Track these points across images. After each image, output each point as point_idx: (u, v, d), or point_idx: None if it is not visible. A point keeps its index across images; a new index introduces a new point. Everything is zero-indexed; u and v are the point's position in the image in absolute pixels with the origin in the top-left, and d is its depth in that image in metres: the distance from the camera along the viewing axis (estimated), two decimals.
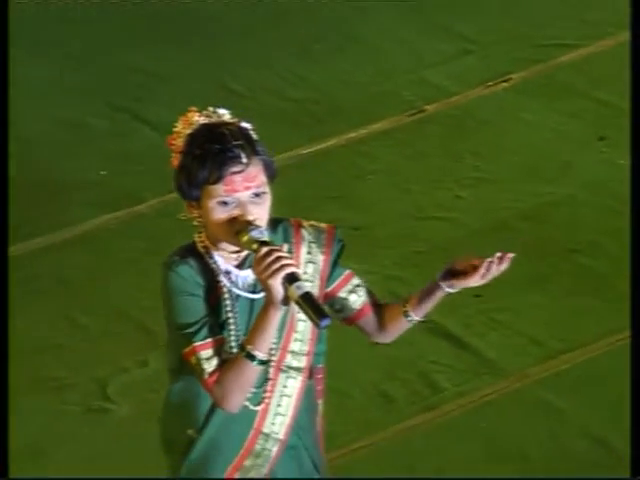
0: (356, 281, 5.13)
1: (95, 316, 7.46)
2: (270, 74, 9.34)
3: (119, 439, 6.08)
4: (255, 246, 4.71)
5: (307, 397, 5.21)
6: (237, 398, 5.05)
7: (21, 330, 7.64)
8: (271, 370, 5.09)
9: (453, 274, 4.97)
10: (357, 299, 5.19)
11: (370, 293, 5.14)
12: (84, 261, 7.67)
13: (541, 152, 8.64)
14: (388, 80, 9.15)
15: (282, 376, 5.14)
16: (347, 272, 5.16)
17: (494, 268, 4.88)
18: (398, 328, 5.18)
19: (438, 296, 5.01)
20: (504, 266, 4.92)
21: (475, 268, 4.93)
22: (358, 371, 7.42)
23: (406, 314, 5.10)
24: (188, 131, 4.87)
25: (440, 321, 7.41)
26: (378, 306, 5.20)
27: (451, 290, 4.96)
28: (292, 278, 4.69)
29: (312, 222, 5.06)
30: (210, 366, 4.97)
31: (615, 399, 7.00)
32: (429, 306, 5.05)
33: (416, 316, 5.04)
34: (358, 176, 8.55)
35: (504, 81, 9.03)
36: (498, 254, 4.85)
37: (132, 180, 8.17)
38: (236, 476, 5.33)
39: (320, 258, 5.12)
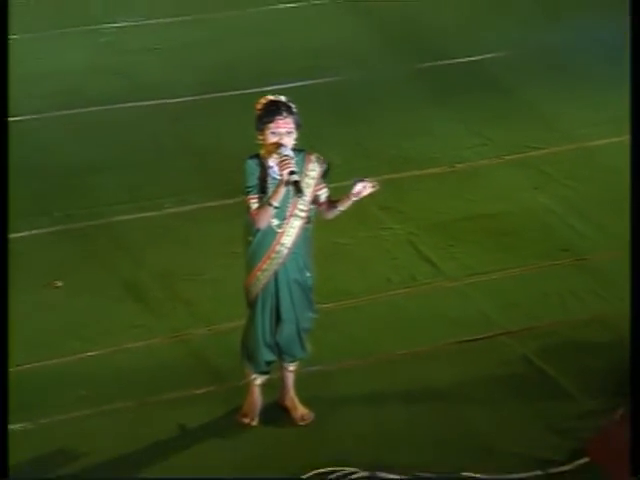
0: (325, 189, 6.56)
1: None
2: (377, 144, 9.65)
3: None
4: (280, 155, 6.26)
5: (304, 232, 6.57)
6: (263, 222, 6.41)
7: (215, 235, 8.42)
8: (287, 214, 6.45)
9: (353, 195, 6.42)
10: (322, 195, 6.53)
11: (329, 196, 6.61)
12: None
13: (502, 192, 9.16)
14: (441, 153, 9.62)
15: (292, 219, 6.50)
16: (323, 184, 6.51)
17: (361, 195, 6.43)
18: (334, 213, 6.56)
19: (347, 203, 6.47)
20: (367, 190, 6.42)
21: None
22: (376, 266, 8.36)
23: (336, 207, 6.48)
24: (263, 102, 6.38)
25: (428, 254, 8.41)
26: (330, 202, 6.58)
27: (342, 207, 6.47)
28: (292, 172, 6.21)
29: (316, 153, 6.52)
30: (253, 206, 6.40)
31: (484, 292, 8.00)
32: (345, 206, 6.49)
33: (342, 207, 6.53)
34: (410, 189, 9.14)
35: (499, 159, 9.54)
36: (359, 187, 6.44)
37: None
38: (267, 261, 6.59)
39: (318, 169, 6.47)
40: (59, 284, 8.01)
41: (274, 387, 6.87)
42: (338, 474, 6.37)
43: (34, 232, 8.59)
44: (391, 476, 6.40)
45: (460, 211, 8.97)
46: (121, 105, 10.21)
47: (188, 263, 8.29)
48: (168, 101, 10.30)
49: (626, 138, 9.30)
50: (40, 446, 6.61)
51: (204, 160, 9.36)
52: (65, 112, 10.14)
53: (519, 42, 11.49)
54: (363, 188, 6.42)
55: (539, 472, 6.47)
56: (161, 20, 11.67)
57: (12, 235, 8.03)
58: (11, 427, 6.51)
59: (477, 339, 7.55)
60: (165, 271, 8.22)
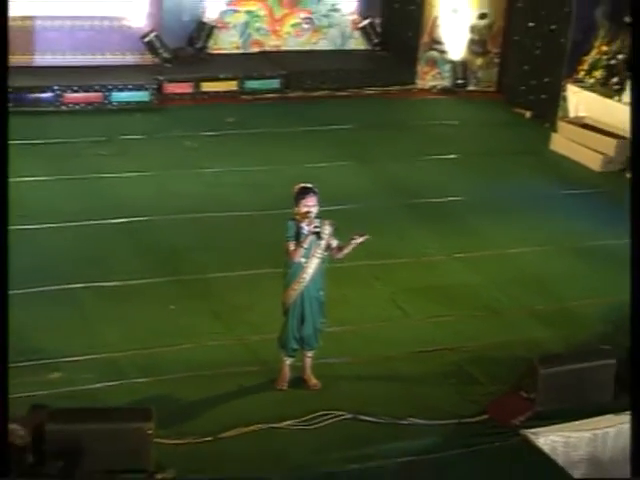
0: (335, 240, 7.05)
1: None
2: (375, 245, 9.24)
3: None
4: (309, 218, 6.90)
5: (320, 267, 7.10)
6: (296, 258, 6.98)
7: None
8: (310, 254, 7.02)
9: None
10: (333, 244, 7.07)
11: (338, 243, 7.03)
12: None
13: (450, 274, 9.46)
14: (414, 250, 9.86)
15: (313, 258, 7.07)
16: (333, 237, 6.96)
17: (357, 243, 6.98)
18: (341, 255, 7.09)
19: (349, 248, 7.01)
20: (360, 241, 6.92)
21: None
22: (368, 309, 8.71)
23: (342, 250, 7.04)
24: (298, 186, 7.03)
25: (401, 305, 8.81)
26: (338, 248, 7.09)
27: (347, 250, 6.94)
28: (316, 226, 6.89)
29: (330, 219, 7.06)
30: (291, 248, 6.96)
31: (434, 326, 8.50)
32: (348, 249, 7.06)
33: (346, 251, 7.06)
34: (394, 269, 9.38)
35: (450, 256, 9.79)
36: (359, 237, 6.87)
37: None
38: (297, 284, 6.95)
39: (329, 229, 7.07)
40: (172, 307, 8.60)
41: (297, 369, 7.56)
42: (333, 414, 7.16)
43: (155, 280, 9.04)
44: (366, 417, 7.15)
45: (423, 283, 9.36)
46: (214, 214, 10.51)
47: (248, 301, 8.70)
48: (244, 213, 10.57)
49: (534, 249, 9.94)
50: (155, 393, 7.28)
51: (263, 247, 9.38)
52: (182, 216, 10.45)
53: (472, 190, 11.60)
54: (356, 240, 7.04)
55: (456, 421, 7.21)
56: (243, 168, 11.78)
57: (142, 281, 8.93)
58: (135, 381, 7.37)
59: (428, 351, 8.13)
60: (234, 304, 8.67)
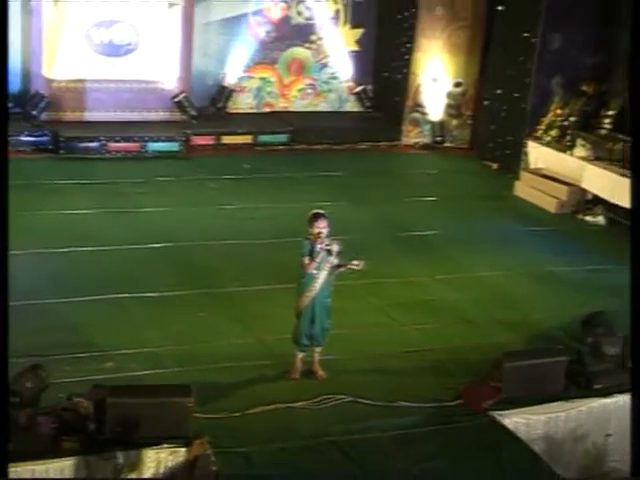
0: (336, 259, 7.16)
1: None
2: (371, 268, 9.32)
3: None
4: (321, 238, 7.11)
5: (328, 278, 7.31)
6: (309, 270, 7.17)
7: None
8: (321, 267, 7.24)
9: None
10: (335, 262, 7.22)
11: (340, 262, 7.17)
12: None
13: (433, 291, 9.64)
14: (403, 272, 9.98)
15: (323, 270, 7.28)
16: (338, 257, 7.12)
17: (354, 266, 7.17)
18: (341, 271, 7.30)
19: (347, 267, 7.21)
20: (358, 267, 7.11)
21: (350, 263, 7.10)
22: (364, 317, 8.93)
23: (343, 267, 7.25)
24: (311, 212, 7.30)
25: (391, 314, 9.02)
26: (339, 265, 7.25)
27: (343, 269, 7.11)
28: (328, 244, 7.11)
29: (337, 241, 7.19)
30: (306, 262, 7.17)
31: (418, 331, 8.72)
32: (345, 268, 7.23)
33: (342, 269, 7.24)
34: (386, 287, 9.62)
35: (433, 278, 10.02)
36: (355, 262, 7.04)
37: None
38: (309, 292, 7.10)
39: (337, 248, 7.25)
40: (201, 314, 8.84)
41: (307, 363, 7.84)
42: (337, 398, 7.48)
43: (186, 292, 9.30)
44: (363, 400, 7.45)
45: (409, 298, 9.57)
46: (233, 241, 10.74)
47: (264, 309, 8.92)
48: (257, 241, 10.75)
49: (501, 273, 10.13)
50: (190, 379, 7.25)
51: (274, 267, 9.66)
52: (206, 242, 10.67)
53: (449, 226, 11.79)
54: (354, 263, 7.29)
55: (436, 404, 7.54)
56: (256, 205, 11.77)
57: (176, 292, 9.23)
58: (173, 370, 7.61)
59: (412, 351, 8.39)
60: (252, 312, 8.90)
